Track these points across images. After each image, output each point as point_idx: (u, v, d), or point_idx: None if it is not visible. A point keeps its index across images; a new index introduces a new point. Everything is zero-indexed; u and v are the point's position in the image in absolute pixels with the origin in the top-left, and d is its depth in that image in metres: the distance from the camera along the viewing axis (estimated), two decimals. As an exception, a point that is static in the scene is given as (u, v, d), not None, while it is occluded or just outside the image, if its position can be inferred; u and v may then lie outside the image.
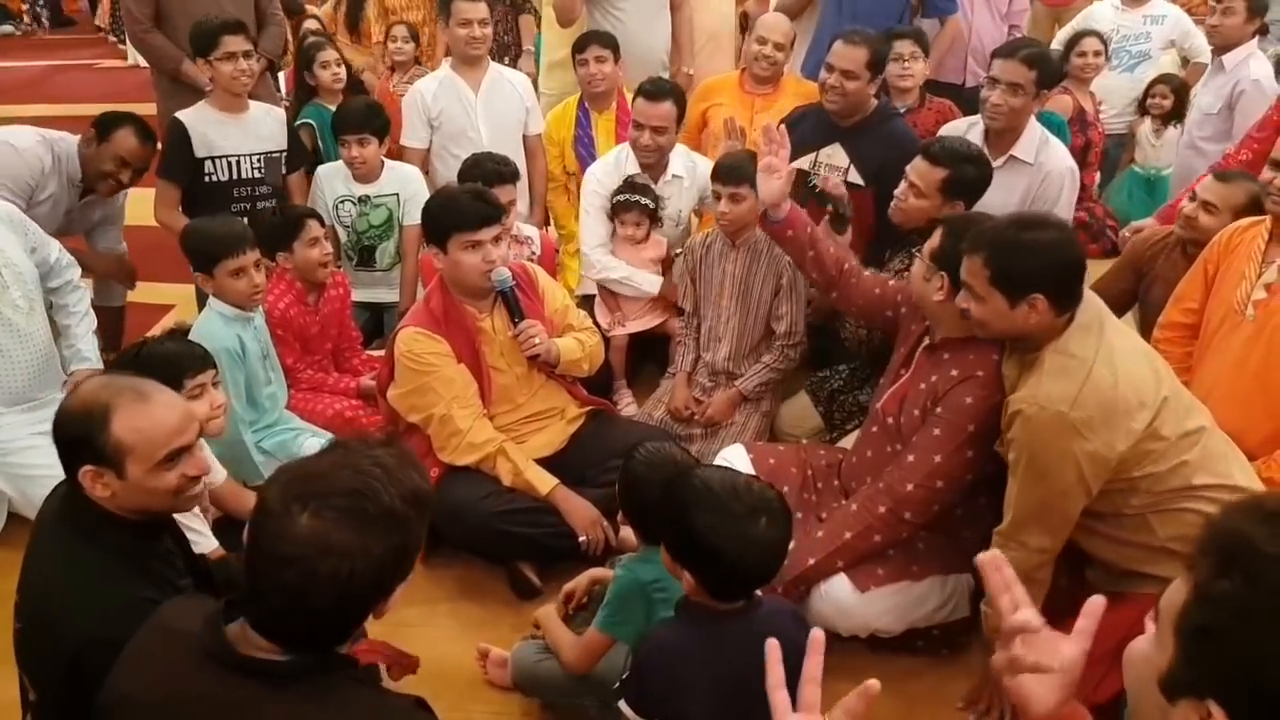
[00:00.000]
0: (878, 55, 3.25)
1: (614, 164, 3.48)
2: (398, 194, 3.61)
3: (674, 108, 3.33)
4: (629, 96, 3.93)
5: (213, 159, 3.39)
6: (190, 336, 2.78)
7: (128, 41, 8.28)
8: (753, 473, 2.34)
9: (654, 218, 3.39)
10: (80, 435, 1.51)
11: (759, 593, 1.65)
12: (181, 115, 3.39)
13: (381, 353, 3.35)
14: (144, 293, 4.07)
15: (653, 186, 3.38)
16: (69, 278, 2.88)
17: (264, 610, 1.20)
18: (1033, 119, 3.12)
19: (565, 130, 3.91)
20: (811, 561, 2.14)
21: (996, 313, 1.96)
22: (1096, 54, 4.55)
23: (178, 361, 2.19)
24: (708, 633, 1.60)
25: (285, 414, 2.94)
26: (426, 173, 3.88)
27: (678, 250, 3.51)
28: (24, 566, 1.58)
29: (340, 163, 3.61)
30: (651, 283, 3.39)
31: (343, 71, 4.23)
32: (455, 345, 2.54)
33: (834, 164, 3.32)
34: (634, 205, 3.33)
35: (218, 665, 1.20)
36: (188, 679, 1.21)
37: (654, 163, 3.40)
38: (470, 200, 2.50)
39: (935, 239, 2.20)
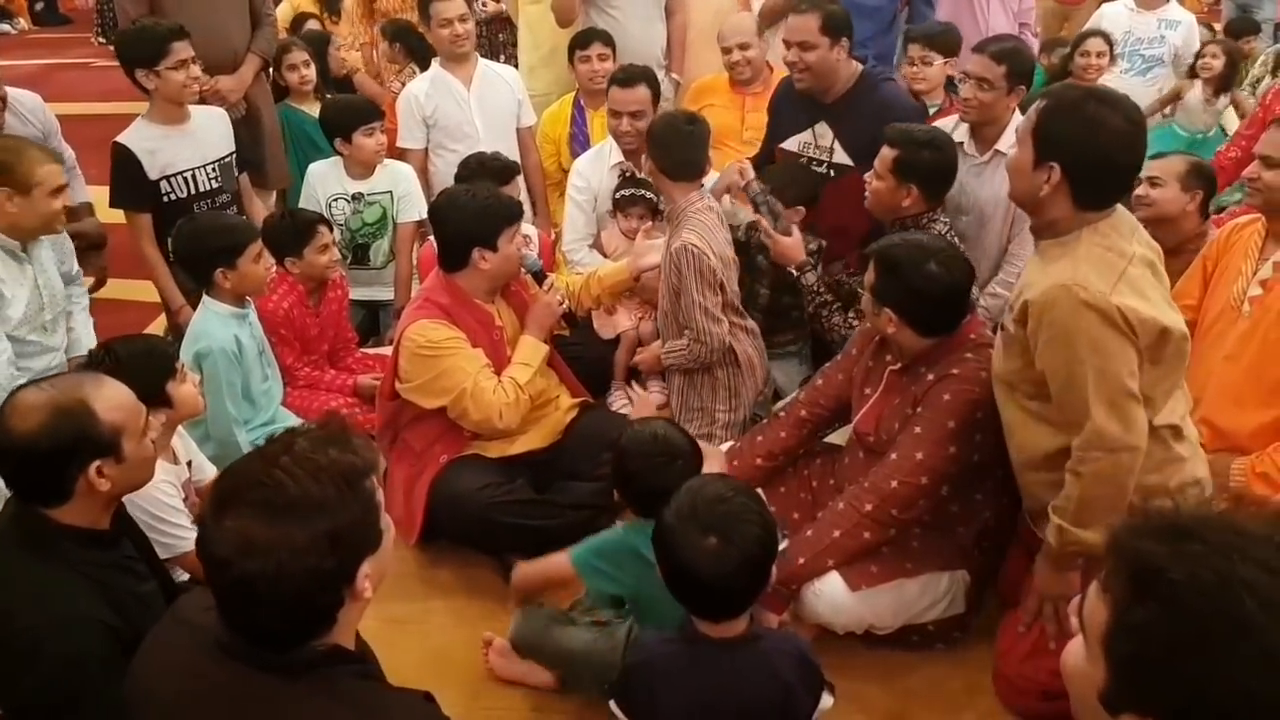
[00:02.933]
0: (833, 19, 3.04)
1: (598, 157, 3.50)
2: (391, 191, 3.61)
3: (648, 91, 3.33)
4: None
5: (168, 178, 3.22)
6: (187, 337, 2.81)
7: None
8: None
9: (656, 210, 3.38)
10: (77, 436, 1.51)
11: (759, 628, 1.65)
12: (122, 139, 3.19)
13: (376, 350, 3.40)
14: (136, 291, 4.08)
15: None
16: (76, 278, 2.96)
17: (226, 614, 1.21)
18: (1017, 112, 3.10)
19: (561, 128, 3.94)
20: (801, 561, 2.14)
21: (1021, 165, 1.91)
22: (1100, 55, 4.52)
23: (163, 355, 2.19)
24: (697, 657, 1.60)
25: (282, 411, 2.95)
26: (424, 172, 3.89)
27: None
28: None
29: (334, 160, 3.60)
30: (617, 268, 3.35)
31: (311, 73, 4.21)
32: (470, 335, 2.57)
33: (822, 144, 3.24)
34: (638, 200, 3.35)
35: (231, 658, 1.22)
36: (203, 670, 1.23)
37: (636, 148, 3.37)
38: (502, 195, 2.63)
39: (870, 273, 2.21)
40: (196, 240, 2.78)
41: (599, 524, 2.51)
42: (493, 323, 2.63)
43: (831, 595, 2.15)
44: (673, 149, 2.74)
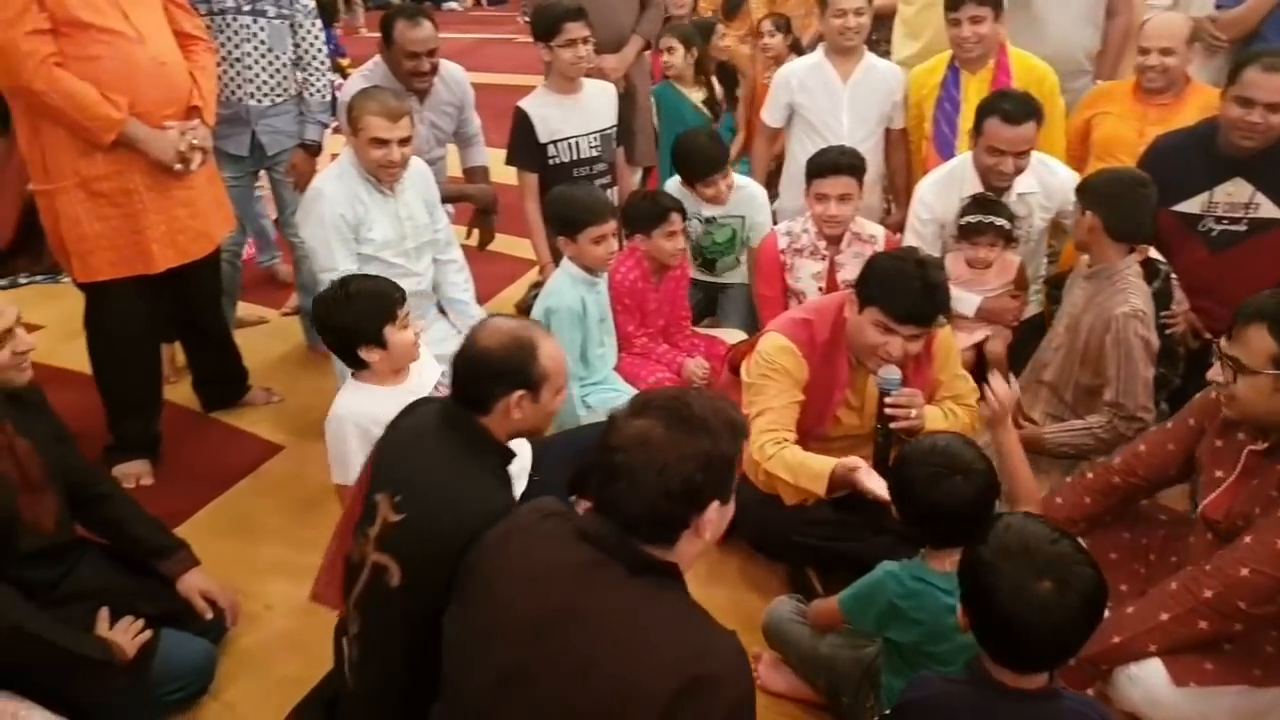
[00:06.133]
0: None
1: (948, 184, 3.19)
2: (744, 217, 3.58)
3: (1035, 127, 2.98)
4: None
5: (555, 143, 3.51)
6: (542, 293, 3.06)
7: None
8: None
9: (1009, 239, 3.09)
10: (519, 364, 1.77)
11: (1059, 685, 1.47)
12: (523, 104, 3.51)
13: (707, 331, 3.51)
14: (513, 246, 4.51)
15: (1005, 203, 3.09)
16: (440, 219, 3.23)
17: (603, 492, 1.41)
18: None
19: (928, 89, 3.62)
20: (1116, 640, 1.88)
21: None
22: None
23: (388, 299, 2.31)
24: (988, 703, 1.45)
25: (612, 375, 3.13)
26: (777, 155, 3.94)
27: (1042, 274, 3.26)
28: (396, 467, 1.77)
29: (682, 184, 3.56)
30: (969, 303, 3.14)
31: (674, 59, 4.40)
32: (816, 378, 2.43)
33: (1234, 201, 2.88)
34: (987, 228, 3.05)
35: (588, 544, 1.40)
36: (564, 550, 1.42)
37: (1005, 186, 3.09)
38: (920, 290, 2.21)
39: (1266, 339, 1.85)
40: (552, 205, 3.05)
41: (900, 551, 2.38)
42: (837, 391, 2.45)
43: (1150, 684, 1.88)
44: (1126, 211, 2.52)
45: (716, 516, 1.42)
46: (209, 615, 2.25)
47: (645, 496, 1.35)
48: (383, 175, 2.89)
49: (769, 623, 2.23)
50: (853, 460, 2.26)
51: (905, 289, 2.21)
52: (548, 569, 1.41)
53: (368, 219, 2.92)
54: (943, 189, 3.20)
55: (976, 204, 3.08)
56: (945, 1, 3.47)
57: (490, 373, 1.76)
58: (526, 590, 1.40)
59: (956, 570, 1.52)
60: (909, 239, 3.27)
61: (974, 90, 3.47)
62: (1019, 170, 3.04)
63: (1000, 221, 3.05)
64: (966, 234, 3.10)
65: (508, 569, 1.45)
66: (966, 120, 3.34)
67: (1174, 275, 2.90)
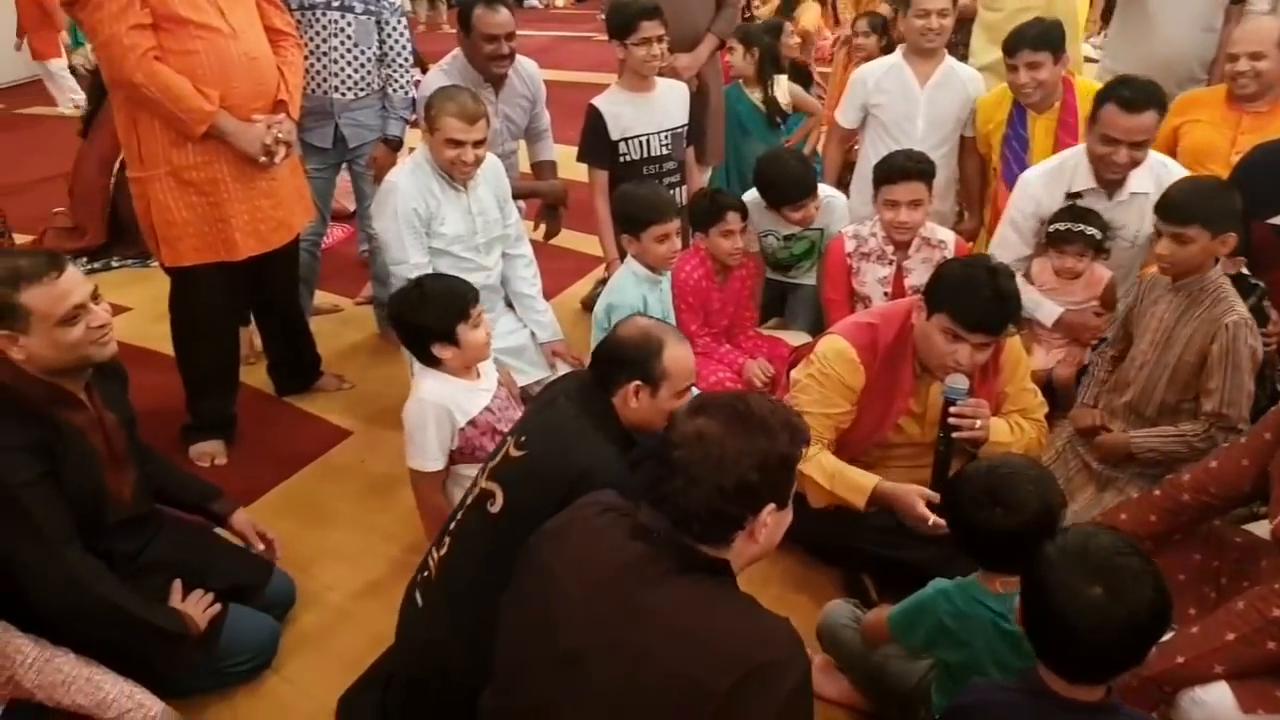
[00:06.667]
0: None
1: (1057, 172, 3.07)
2: (823, 230, 3.54)
3: (1156, 116, 2.85)
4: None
5: (626, 140, 3.51)
6: (605, 290, 3.09)
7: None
8: None
9: (1099, 250, 3.01)
10: (644, 357, 1.94)
11: (1118, 701, 1.45)
12: (597, 101, 3.52)
13: (771, 332, 3.49)
14: (580, 242, 4.55)
15: (1098, 211, 3.00)
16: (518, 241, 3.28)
17: (660, 489, 1.42)
18: None
19: (994, 124, 3.58)
20: (1180, 660, 1.82)
21: None
22: None
23: (461, 298, 2.41)
24: (1041, 713, 1.43)
25: (672, 373, 3.13)
26: (850, 151, 3.96)
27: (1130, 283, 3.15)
28: (531, 418, 2.01)
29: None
30: (1049, 313, 3.07)
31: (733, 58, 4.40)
32: (877, 384, 2.40)
33: None
34: (1077, 236, 2.96)
35: (641, 541, 1.43)
36: (618, 545, 1.45)
37: (1120, 180, 2.97)
38: (990, 298, 2.17)
39: None
40: (617, 202, 3.09)
41: (958, 564, 2.34)
42: (900, 399, 2.40)
43: (1216, 709, 1.81)
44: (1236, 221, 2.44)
45: (772, 521, 1.41)
46: (260, 547, 2.44)
47: (700, 493, 1.36)
48: (456, 173, 2.94)
49: (824, 625, 2.21)
50: (903, 488, 2.27)
51: (975, 296, 2.18)
52: (602, 564, 1.43)
53: (439, 213, 2.97)
54: (1051, 180, 3.07)
55: (1068, 211, 2.99)
56: (1002, 47, 3.43)
57: (616, 358, 1.95)
58: (582, 582, 1.43)
59: (1010, 590, 1.50)
60: (1005, 230, 3.20)
61: (1041, 129, 3.42)
62: (1134, 163, 2.90)
63: (1090, 231, 2.96)
64: (1054, 241, 3.02)
65: (565, 559, 1.48)
66: (1035, 159, 3.29)
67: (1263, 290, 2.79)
